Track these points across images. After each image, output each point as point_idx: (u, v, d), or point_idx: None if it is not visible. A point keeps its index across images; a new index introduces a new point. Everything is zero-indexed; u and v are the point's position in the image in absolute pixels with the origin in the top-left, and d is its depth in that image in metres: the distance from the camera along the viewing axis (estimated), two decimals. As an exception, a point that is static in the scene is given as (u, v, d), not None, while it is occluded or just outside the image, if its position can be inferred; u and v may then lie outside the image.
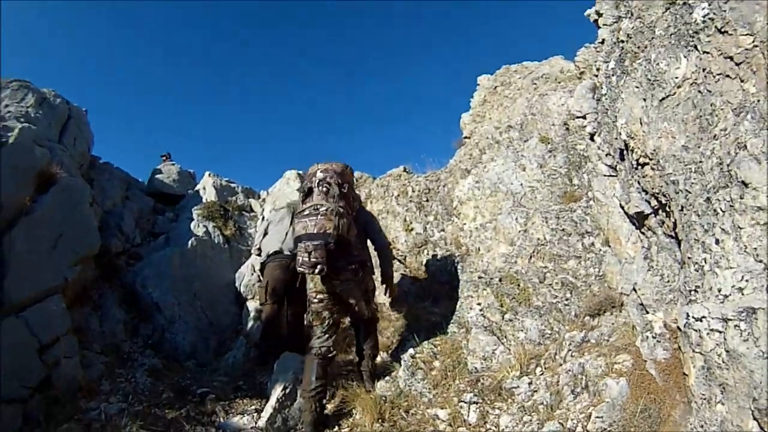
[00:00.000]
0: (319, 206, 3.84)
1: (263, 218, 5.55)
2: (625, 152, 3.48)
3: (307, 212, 3.84)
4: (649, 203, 3.16)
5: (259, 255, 5.31)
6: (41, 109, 6.76)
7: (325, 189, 3.92)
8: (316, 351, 3.98)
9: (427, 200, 6.47)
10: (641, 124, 3.09)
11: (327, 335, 4.05)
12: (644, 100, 3.10)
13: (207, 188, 8.49)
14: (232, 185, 8.86)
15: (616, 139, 3.56)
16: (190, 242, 6.49)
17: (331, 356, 4.08)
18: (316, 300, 4.07)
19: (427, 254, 5.87)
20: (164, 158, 10.25)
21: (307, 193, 3.95)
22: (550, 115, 5.53)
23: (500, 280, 4.48)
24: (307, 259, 3.73)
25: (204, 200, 8.18)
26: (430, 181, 6.70)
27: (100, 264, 5.56)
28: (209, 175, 8.86)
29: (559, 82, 6.07)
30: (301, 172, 8.44)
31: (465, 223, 5.54)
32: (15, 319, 4.07)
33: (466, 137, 7.37)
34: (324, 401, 3.98)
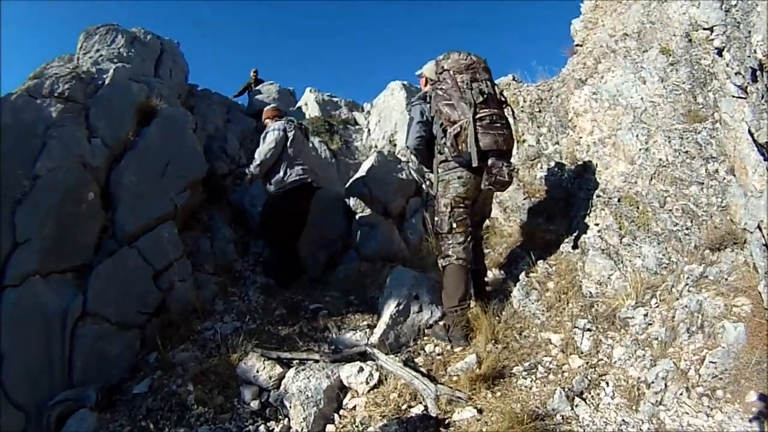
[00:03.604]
0: (498, 116, 3.66)
1: (297, 128, 5.23)
2: (759, 73, 2.99)
3: (487, 120, 3.59)
4: (786, 136, 2.72)
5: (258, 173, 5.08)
6: (133, 47, 6.88)
7: (491, 91, 3.73)
8: (461, 259, 3.68)
9: (540, 111, 5.93)
10: (780, 42, 2.61)
11: (468, 243, 3.75)
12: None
13: (309, 104, 8.35)
14: (335, 99, 8.66)
15: (749, 57, 3.09)
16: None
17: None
18: (461, 206, 3.75)
19: (541, 168, 5.41)
20: (254, 74, 10.37)
21: (479, 94, 3.65)
22: (671, 25, 4.85)
23: (619, 200, 4.13)
24: (503, 178, 3.52)
25: (307, 115, 8.04)
26: (541, 90, 6.10)
27: (208, 187, 5.63)
28: (311, 90, 8.72)
29: None
30: (405, 82, 7.98)
31: (581, 137, 5.05)
32: (129, 250, 4.20)
33: (578, 45, 6.68)
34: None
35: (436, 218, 3.88)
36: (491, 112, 3.60)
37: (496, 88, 3.82)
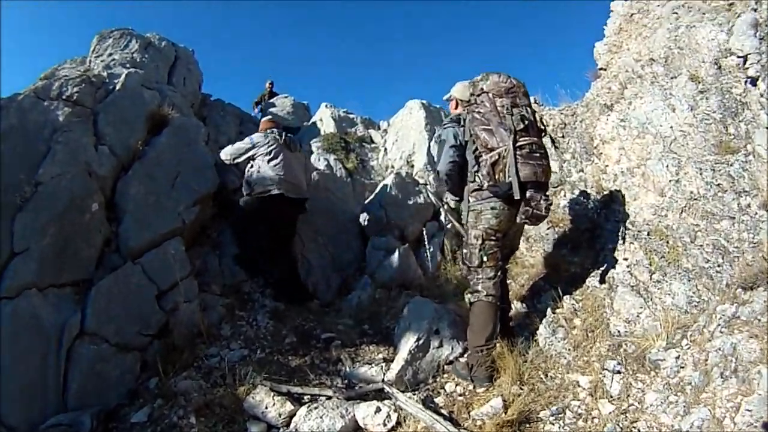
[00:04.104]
0: (537, 145, 3.47)
1: (270, 141, 5.11)
2: None
3: (527, 150, 3.39)
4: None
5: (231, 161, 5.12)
6: (147, 53, 6.76)
7: (532, 118, 3.55)
8: (491, 296, 3.44)
9: (563, 136, 5.79)
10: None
11: (498, 278, 3.52)
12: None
13: (325, 119, 8.19)
14: (351, 116, 8.51)
15: None
16: (311, 176, 6.15)
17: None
18: (493, 239, 3.51)
19: (564, 196, 5.25)
20: (269, 85, 10.28)
21: (519, 120, 3.45)
22: (699, 51, 4.72)
23: (648, 234, 3.98)
24: (540, 212, 3.33)
25: (322, 132, 7.88)
26: (565, 115, 5.99)
27: (218, 201, 5.38)
28: (326, 106, 8.57)
29: (704, 13, 5.09)
30: (424, 101, 7.82)
31: (608, 165, 4.90)
32: (133, 266, 3.97)
33: (601, 68, 6.58)
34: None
35: (465, 250, 3.64)
36: (531, 141, 3.41)
37: (536, 114, 3.64)
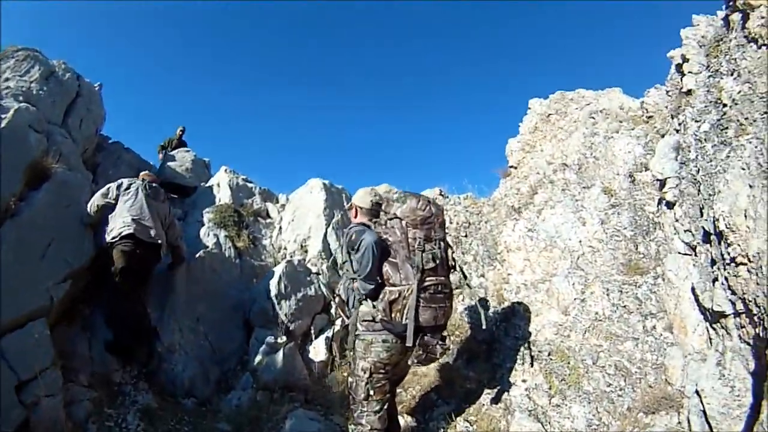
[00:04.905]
0: (443, 285, 3.34)
1: (140, 191, 5.07)
2: (714, 239, 3.14)
3: (431, 291, 3.26)
4: (734, 305, 2.87)
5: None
6: (47, 84, 6.16)
7: (443, 255, 3.42)
8: (375, 430, 3.29)
9: (466, 236, 5.83)
10: (746, 217, 2.79)
11: (384, 411, 3.35)
12: (751, 187, 2.81)
13: (222, 186, 7.85)
14: (249, 185, 8.20)
15: (705, 219, 3.27)
16: (198, 255, 5.83)
17: None
18: (382, 371, 3.33)
19: (463, 301, 5.17)
20: (180, 131, 9.96)
21: (430, 259, 3.30)
22: (615, 162, 4.91)
23: (549, 354, 4.00)
24: (434, 356, 3.28)
25: (217, 199, 7.54)
26: (470, 213, 6.06)
27: (94, 270, 4.81)
28: (225, 170, 8.21)
29: (621, 122, 5.41)
30: (326, 182, 7.81)
31: (510, 274, 4.91)
32: (-9, 351, 3.45)
33: (512, 166, 6.63)
34: None
35: (350, 379, 3.48)
36: (438, 281, 3.30)
37: (449, 250, 3.56)
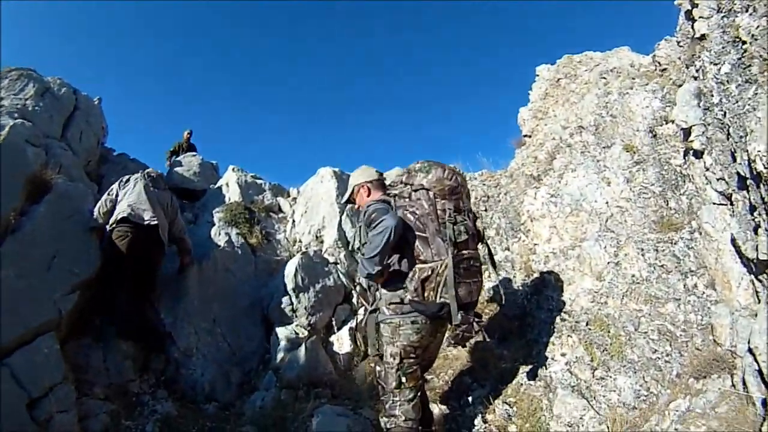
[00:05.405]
0: (475, 258, 3.10)
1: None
2: (752, 183, 2.89)
3: (464, 265, 2.99)
4: (783, 251, 2.65)
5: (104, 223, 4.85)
6: (43, 100, 6.14)
7: (474, 226, 3.19)
8: (410, 420, 3.00)
9: (486, 210, 5.58)
10: (787, 152, 2.61)
11: (418, 399, 3.08)
12: (787, 118, 2.62)
13: (231, 185, 7.73)
14: (259, 182, 8.08)
15: (739, 164, 3.02)
16: (210, 254, 5.69)
17: None
18: (413, 356, 3.06)
19: (489, 277, 4.81)
20: (187, 135, 9.97)
21: (463, 231, 3.05)
22: (633, 119, 4.63)
23: (587, 324, 3.71)
24: (470, 335, 2.98)
25: (227, 199, 7.42)
26: (488, 186, 5.82)
27: (105, 278, 4.68)
28: (233, 169, 8.10)
29: (634, 79, 5.11)
30: (336, 169, 7.60)
31: (537, 244, 4.65)
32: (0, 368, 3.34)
33: (526, 135, 6.37)
34: None
35: (379, 368, 3.19)
36: (469, 255, 3.04)
37: (477, 220, 3.29)
